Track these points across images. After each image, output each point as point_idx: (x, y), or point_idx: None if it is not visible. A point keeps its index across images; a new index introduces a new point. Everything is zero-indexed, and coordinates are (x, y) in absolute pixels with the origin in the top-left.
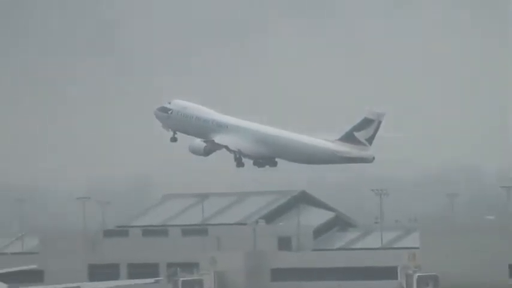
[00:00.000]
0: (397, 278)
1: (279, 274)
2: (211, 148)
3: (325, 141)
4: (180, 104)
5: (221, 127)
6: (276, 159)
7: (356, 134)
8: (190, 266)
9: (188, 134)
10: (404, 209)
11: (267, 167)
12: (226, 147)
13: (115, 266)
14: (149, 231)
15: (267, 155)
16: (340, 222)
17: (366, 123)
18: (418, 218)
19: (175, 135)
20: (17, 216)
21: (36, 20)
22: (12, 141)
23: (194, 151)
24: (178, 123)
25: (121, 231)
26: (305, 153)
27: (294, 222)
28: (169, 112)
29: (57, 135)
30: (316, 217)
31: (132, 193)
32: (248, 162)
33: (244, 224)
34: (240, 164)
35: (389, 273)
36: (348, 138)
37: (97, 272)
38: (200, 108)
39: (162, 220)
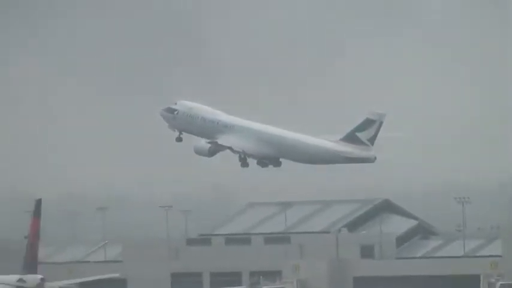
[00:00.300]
0: (479, 287)
1: (361, 282)
2: (216, 149)
3: (328, 142)
4: (185, 104)
5: (226, 127)
6: (280, 160)
7: (358, 134)
8: (273, 274)
9: (194, 135)
10: (487, 216)
11: (271, 166)
12: (230, 148)
13: (198, 275)
14: (232, 240)
15: (272, 155)
16: (422, 230)
17: (367, 123)
18: (500, 226)
19: (181, 135)
20: (100, 225)
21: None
22: (90, 151)
23: (198, 152)
24: (184, 124)
25: (204, 240)
26: (309, 153)
27: (377, 230)
28: (175, 113)
29: (140, 144)
30: (399, 225)
31: (216, 201)
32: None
33: (327, 232)
34: (244, 164)
35: (471, 281)
36: (350, 138)
37: (180, 281)
38: (205, 109)
39: (245, 228)
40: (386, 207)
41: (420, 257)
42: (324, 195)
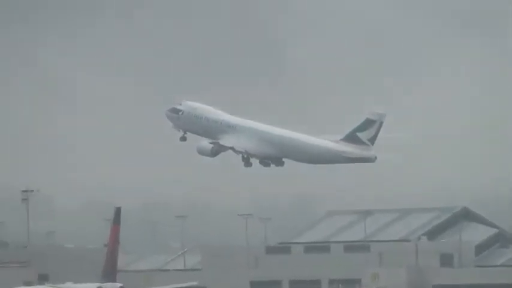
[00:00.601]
0: None
1: None
2: (218, 149)
3: (330, 142)
4: (190, 105)
5: (230, 128)
6: (283, 159)
7: (359, 134)
8: (352, 283)
9: (198, 135)
10: None
11: (273, 166)
12: (232, 149)
13: (277, 283)
14: (311, 248)
15: (274, 155)
16: (502, 239)
17: (368, 123)
18: None
19: (185, 135)
20: (179, 233)
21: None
22: (167, 159)
23: (201, 152)
24: (188, 124)
25: (283, 248)
26: (311, 153)
27: (456, 238)
28: (180, 113)
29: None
30: (478, 233)
31: (295, 209)
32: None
33: (407, 241)
34: (248, 164)
35: None
36: (351, 138)
37: None
38: (209, 109)
39: (325, 236)
40: (466, 215)
41: (500, 266)
42: (405, 203)
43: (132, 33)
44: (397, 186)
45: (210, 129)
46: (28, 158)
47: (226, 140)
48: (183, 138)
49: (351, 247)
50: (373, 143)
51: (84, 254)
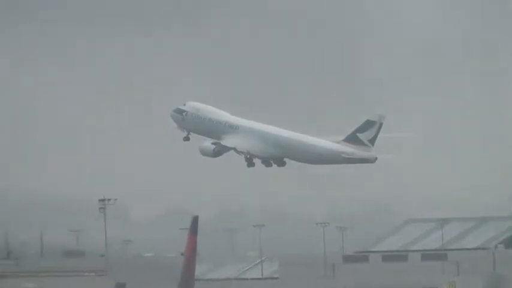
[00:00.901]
0: None
1: None
2: (220, 149)
3: (331, 143)
4: (194, 106)
5: (232, 128)
6: (285, 159)
7: (359, 135)
8: None
9: (202, 135)
10: None
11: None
12: (234, 149)
13: None
14: (389, 256)
15: (276, 155)
16: None
17: (368, 124)
18: None
19: (189, 135)
20: (256, 242)
21: None
22: (244, 168)
23: (203, 152)
24: (192, 125)
25: (360, 257)
26: (312, 154)
27: None
28: (184, 114)
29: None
30: None
31: (373, 217)
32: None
33: (484, 249)
34: (250, 164)
35: None
36: (352, 139)
37: None
38: (213, 110)
39: (402, 245)
40: None
41: None
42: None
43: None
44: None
45: (213, 129)
46: (105, 168)
47: (228, 141)
48: (187, 138)
49: (428, 256)
50: (373, 144)
51: (161, 262)
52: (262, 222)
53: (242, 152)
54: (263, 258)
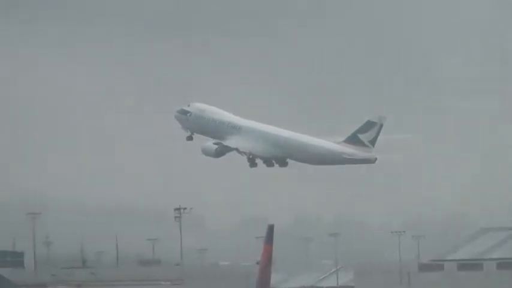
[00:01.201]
0: None
1: None
2: (222, 150)
3: (333, 143)
4: (198, 106)
5: (235, 129)
6: (287, 160)
7: (360, 136)
8: None
9: (205, 136)
10: None
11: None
12: (237, 149)
13: None
14: (464, 265)
15: (278, 156)
16: None
17: (369, 125)
18: None
19: (192, 135)
20: (332, 250)
21: None
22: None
23: (205, 153)
24: (196, 125)
25: (436, 265)
26: (314, 154)
27: None
28: (188, 114)
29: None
30: None
31: (448, 226)
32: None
33: None
34: (253, 164)
35: None
36: (353, 140)
37: None
38: (217, 111)
39: (478, 253)
40: None
41: None
42: None
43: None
44: None
45: (216, 130)
46: (180, 177)
47: (232, 141)
48: (190, 138)
49: (504, 264)
50: (373, 145)
51: (237, 271)
52: (337, 230)
53: (244, 153)
54: (338, 267)
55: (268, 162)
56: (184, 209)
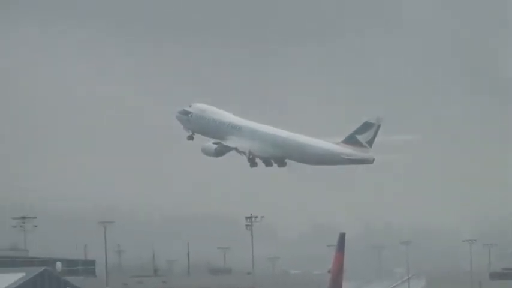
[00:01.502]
0: None
1: None
2: (222, 149)
3: (331, 144)
4: (199, 107)
5: (236, 129)
6: (286, 160)
7: (358, 136)
8: None
9: (206, 136)
10: None
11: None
12: (236, 149)
13: None
14: None
15: (277, 156)
16: None
17: (366, 126)
18: None
19: (193, 135)
20: (404, 258)
21: None
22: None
23: (205, 152)
24: (197, 126)
25: (508, 274)
26: (312, 155)
27: None
28: (189, 115)
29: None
30: None
31: None
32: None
33: None
34: (253, 164)
35: None
36: (351, 140)
37: None
38: (217, 112)
39: None
40: None
41: None
42: None
43: None
44: None
45: (217, 130)
46: (251, 187)
47: (232, 141)
48: (190, 138)
49: None
50: (371, 145)
51: (308, 280)
52: (408, 238)
53: (243, 152)
54: (410, 275)
55: (267, 162)
56: (256, 217)
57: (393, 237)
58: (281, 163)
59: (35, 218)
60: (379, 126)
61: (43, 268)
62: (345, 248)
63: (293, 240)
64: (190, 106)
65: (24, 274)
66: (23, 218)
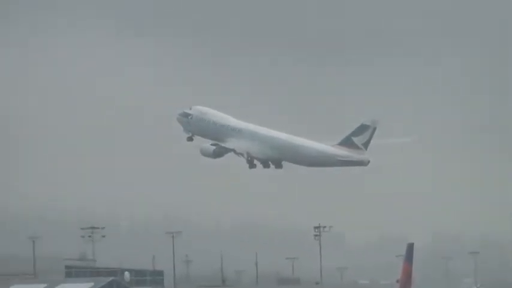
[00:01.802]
0: None
1: None
2: (220, 151)
3: (327, 146)
4: (199, 109)
5: (235, 131)
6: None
7: (354, 139)
8: None
9: (206, 138)
10: None
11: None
12: (234, 151)
13: None
14: None
15: (274, 158)
16: None
17: (362, 129)
18: None
19: (192, 136)
20: (472, 269)
21: None
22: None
23: (204, 154)
24: (197, 128)
25: None
26: (309, 157)
27: None
28: (190, 117)
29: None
30: None
31: None
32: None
33: None
34: (252, 165)
35: None
36: (347, 143)
37: None
38: (217, 114)
39: None
40: None
41: None
42: None
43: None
44: None
45: (217, 132)
46: (319, 197)
47: (231, 143)
48: (190, 139)
49: None
50: (366, 148)
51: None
52: (477, 249)
53: (241, 154)
54: (478, 286)
55: (265, 163)
56: (324, 227)
57: (462, 247)
58: (278, 165)
59: (103, 228)
60: (375, 129)
61: (111, 278)
62: (413, 258)
63: (362, 250)
64: (190, 108)
65: (92, 284)
66: (92, 228)
